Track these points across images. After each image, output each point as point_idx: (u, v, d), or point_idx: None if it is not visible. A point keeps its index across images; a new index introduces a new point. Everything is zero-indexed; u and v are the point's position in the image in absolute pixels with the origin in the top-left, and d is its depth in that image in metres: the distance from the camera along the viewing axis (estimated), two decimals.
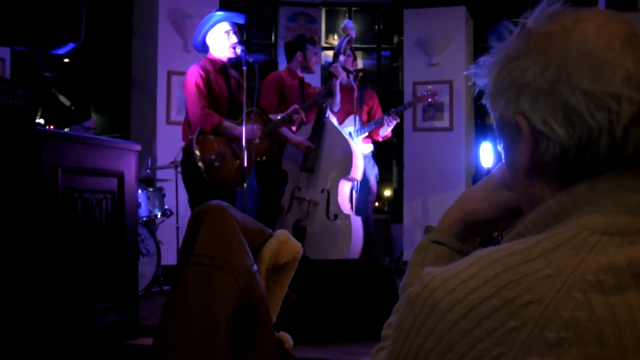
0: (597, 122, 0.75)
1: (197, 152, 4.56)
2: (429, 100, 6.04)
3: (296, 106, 4.86)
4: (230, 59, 4.70)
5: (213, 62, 4.67)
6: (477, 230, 1.07)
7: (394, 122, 5.55)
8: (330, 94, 5.07)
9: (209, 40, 4.65)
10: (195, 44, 4.74)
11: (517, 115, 0.80)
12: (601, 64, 0.75)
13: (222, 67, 4.68)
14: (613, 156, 0.76)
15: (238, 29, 4.70)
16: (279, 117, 4.90)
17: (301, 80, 5.36)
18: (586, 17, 0.79)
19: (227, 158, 4.62)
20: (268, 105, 5.10)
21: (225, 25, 4.61)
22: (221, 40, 4.61)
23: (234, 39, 4.60)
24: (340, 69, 5.25)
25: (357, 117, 5.48)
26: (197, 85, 4.55)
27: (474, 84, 0.90)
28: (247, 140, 4.49)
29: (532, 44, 0.80)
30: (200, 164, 4.57)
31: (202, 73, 4.58)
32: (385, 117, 5.52)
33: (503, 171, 1.04)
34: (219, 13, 4.75)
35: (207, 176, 4.57)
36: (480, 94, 0.89)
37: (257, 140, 4.62)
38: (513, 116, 0.81)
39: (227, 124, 4.60)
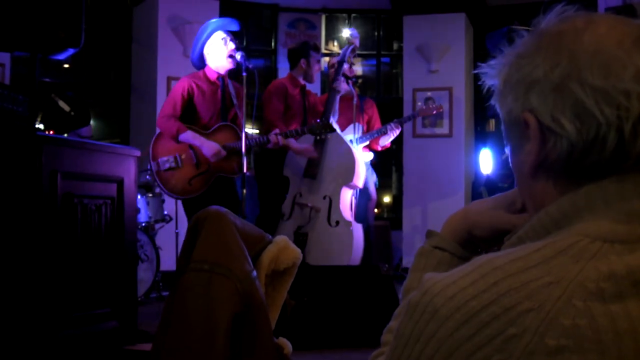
0: (606, 118, 0.75)
1: (151, 151, 4.57)
2: (434, 112, 6.09)
3: (277, 130, 4.71)
4: (229, 70, 4.61)
5: (208, 74, 4.62)
6: (476, 243, 1.07)
7: (397, 132, 5.58)
8: (329, 127, 4.78)
9: (207, 52, 4.57)
10: (193, 59, 4.64)
11: (525, 112, 0.80)
12: (611, 61, 0.76)
13: (217, 78, 4.61)
14: (619, 155, 0.76)
15: (235, 37, 4.62)
16: (254, 135, 4.84)
17: (302, 88, 5.35)
18: (597, 20, 0.80)
19: (182, 164, 4.55)
20: (274, 112, 5.07)
21: (220, 34, 4.55)
22: (219, 50, 4.54)
23: (231, 46, 4.52)
24: (342, 86, 5.27)
25: (358, 125, 5.49)
26: (181, 94, 4.51)
27: (478, 86, 0.90)
28: (206, 157, 4.48)
29: (543, 42, 0.81)
30: (152, 163, 4.56)
31: (191, 84, 4.54)
32: (389, 126, 5.53)
33: (509, 194, 1.04)
34: (213, 21, 4.67)
35: (157, 177, 4.56)
36: (480, 100, 0.89)
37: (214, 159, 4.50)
38: (521, 113, 0.81)
39: (187, 136, 4.48)
